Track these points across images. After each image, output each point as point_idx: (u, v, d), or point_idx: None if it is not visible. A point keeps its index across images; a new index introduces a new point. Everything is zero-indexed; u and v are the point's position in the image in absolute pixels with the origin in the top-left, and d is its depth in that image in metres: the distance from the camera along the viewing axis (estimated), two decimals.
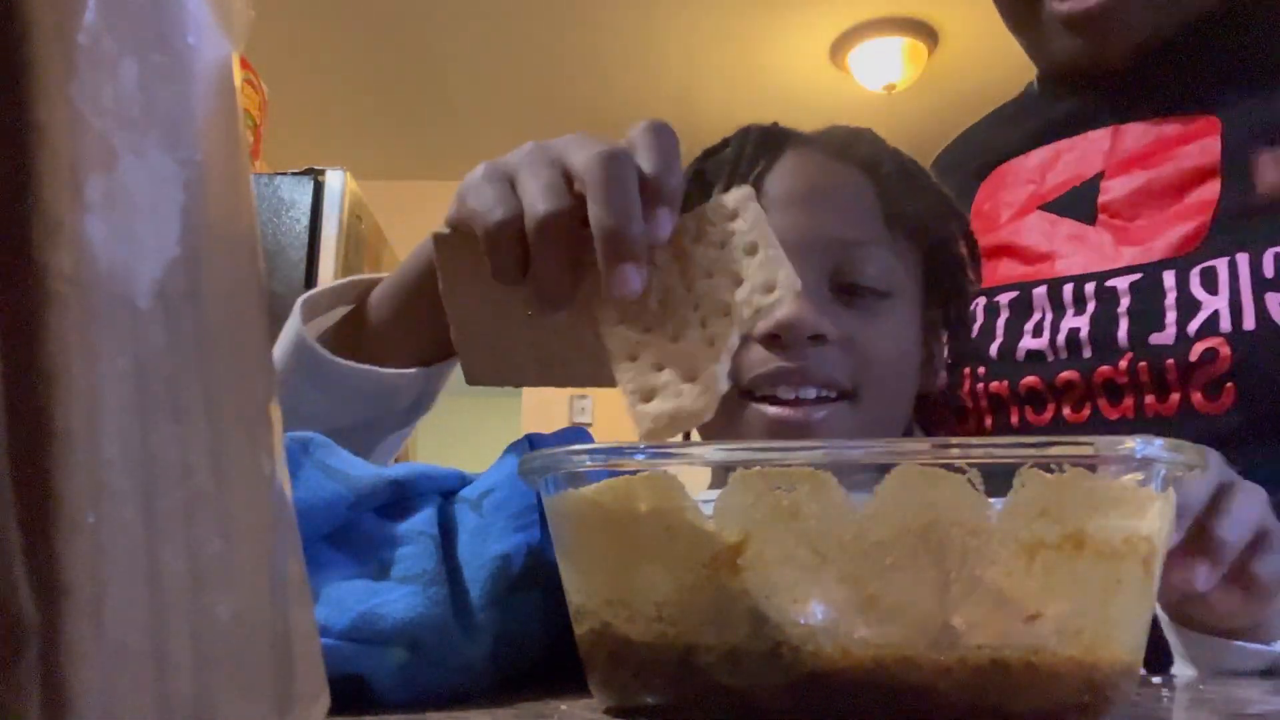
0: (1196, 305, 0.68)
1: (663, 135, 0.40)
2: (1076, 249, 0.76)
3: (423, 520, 0.40)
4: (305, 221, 2.07)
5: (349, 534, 0.39)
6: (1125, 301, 0.72)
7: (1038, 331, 0.75)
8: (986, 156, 0.88)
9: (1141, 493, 0.30)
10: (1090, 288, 0.74)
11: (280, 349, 0.54)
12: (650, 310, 0.39)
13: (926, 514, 0.28)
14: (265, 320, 0.21)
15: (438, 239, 0.44)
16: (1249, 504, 0.47)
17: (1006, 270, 0.80)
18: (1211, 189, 0.71)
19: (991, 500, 0.29)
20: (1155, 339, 0.69)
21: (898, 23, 2.94)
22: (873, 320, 0.65)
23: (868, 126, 0.75)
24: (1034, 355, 0.75)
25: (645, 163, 0.39)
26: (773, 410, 0.63)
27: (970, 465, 0.28)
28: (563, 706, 0.35)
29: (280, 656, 0.19)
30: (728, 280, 0.38)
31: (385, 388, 0.54)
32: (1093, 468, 0.29)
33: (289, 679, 0.20)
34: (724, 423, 0.65)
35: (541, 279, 0.39)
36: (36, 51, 0.15)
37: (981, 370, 0.78)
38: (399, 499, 0.41)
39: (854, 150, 0.70)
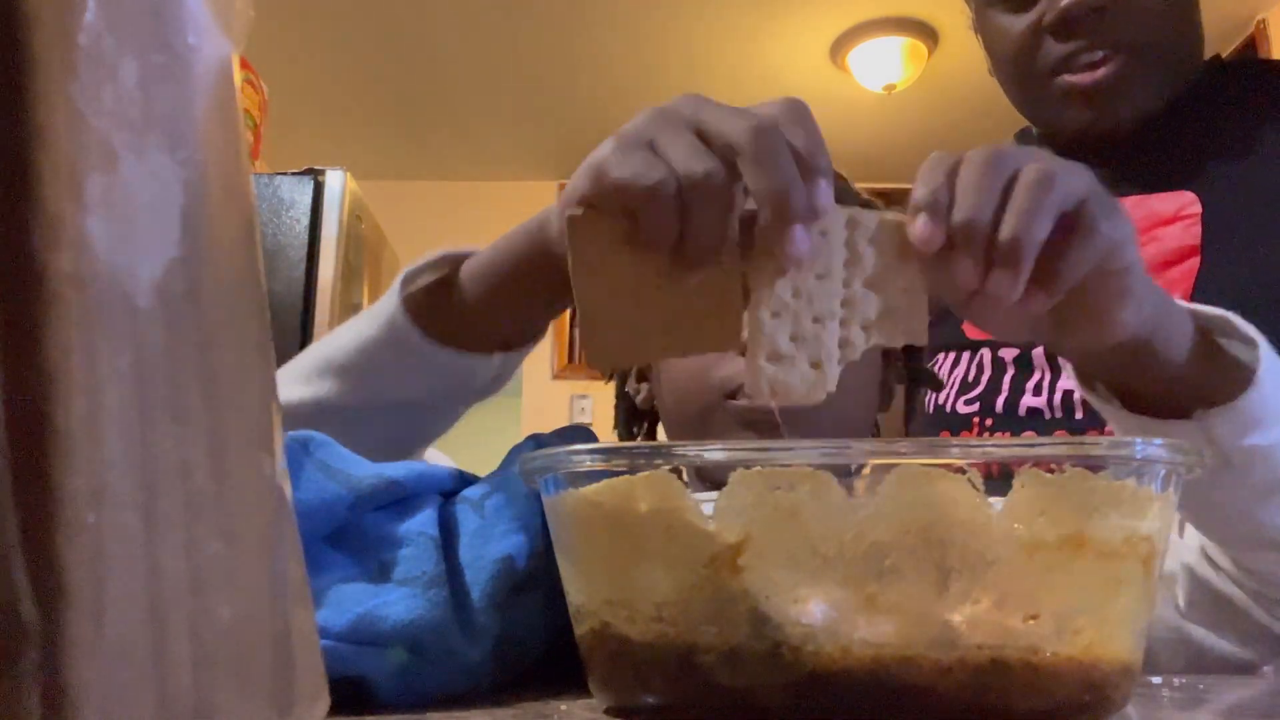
0: None
1: (808, 116, 0.41)
2: None
3: (423, 521, 0.40)
4: (305, 221, 2.06)
5: (349, 534, 0.39)
6: None
7: (1038, 390, 0.81)
8: None
9: (1141, 493, 0.30)
10: None
11: (372, 322, 0.57)
12: (807, 281, 0.39)
13: (926, 514, 0.28)
14: (265, 320, 0.21)
15: (572, 220, 0.44)
16: (1060, 182, 0.38)
17: None
18: (1191, 265, 0.78)
19: (991, 500, 0.29)
20: None
21: (898, 23, 2.94)
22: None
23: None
24: (1034, 411, 0.80)
25: (795, 139, 0.39)
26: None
27: (970, 465, 0.28)
28: (563, 706, 0.35)
29: (280, 656, 0.19)
30: (881, 302, 0.39)
31: (465, 369, 0.57)
32: (1093, 468, 0.29)
33: (289, 679, 0.20)
34: (698, 423, 0.69)
35: (698, 235, 0.40)
36: (36, 51, 0.15)
37: (989, 422, 0.82)
38: (399, 499, 0.41)
39: None
